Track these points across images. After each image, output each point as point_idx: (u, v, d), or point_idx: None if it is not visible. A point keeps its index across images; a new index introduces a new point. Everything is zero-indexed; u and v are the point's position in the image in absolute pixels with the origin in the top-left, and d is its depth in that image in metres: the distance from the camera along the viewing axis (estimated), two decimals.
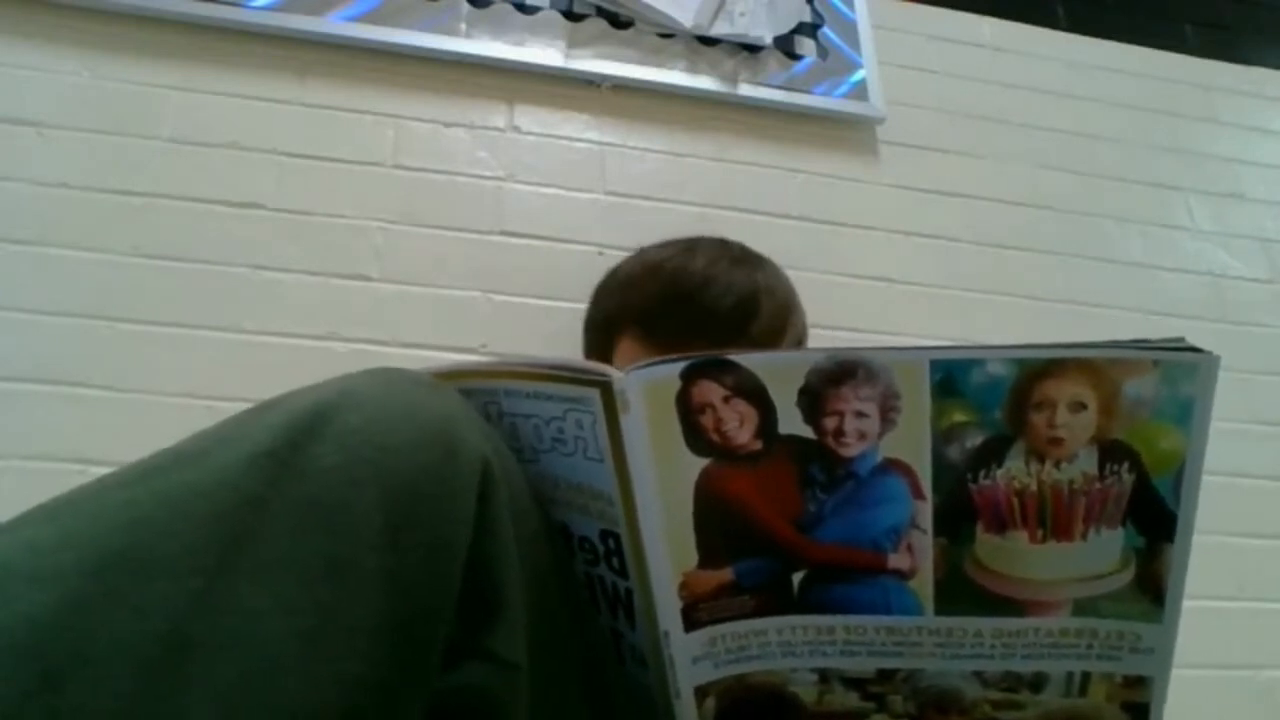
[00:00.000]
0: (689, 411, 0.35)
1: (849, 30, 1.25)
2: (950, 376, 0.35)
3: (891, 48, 1.28)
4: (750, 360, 0.35)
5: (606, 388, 0.34)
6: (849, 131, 1.21)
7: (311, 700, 0.24)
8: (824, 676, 0.41)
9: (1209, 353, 0.35)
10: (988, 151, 1.27)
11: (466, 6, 1.08)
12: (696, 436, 0.36)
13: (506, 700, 0.31)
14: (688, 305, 0.61)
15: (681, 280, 0.62)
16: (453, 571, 0.30)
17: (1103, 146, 1.33)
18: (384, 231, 0.98)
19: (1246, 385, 1.19)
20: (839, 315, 1.06)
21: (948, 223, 1.20)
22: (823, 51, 1.22)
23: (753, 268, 0.66)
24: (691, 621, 0.38)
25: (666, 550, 0.36)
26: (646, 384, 0.34)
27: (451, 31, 1.07)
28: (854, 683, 0.41)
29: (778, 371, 0.36)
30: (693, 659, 0.39)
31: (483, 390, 0.38)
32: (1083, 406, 0.36)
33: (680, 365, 0.35)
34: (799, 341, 0.69)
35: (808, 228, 1.13)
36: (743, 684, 0.40)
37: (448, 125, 1.06)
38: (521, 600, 0.33)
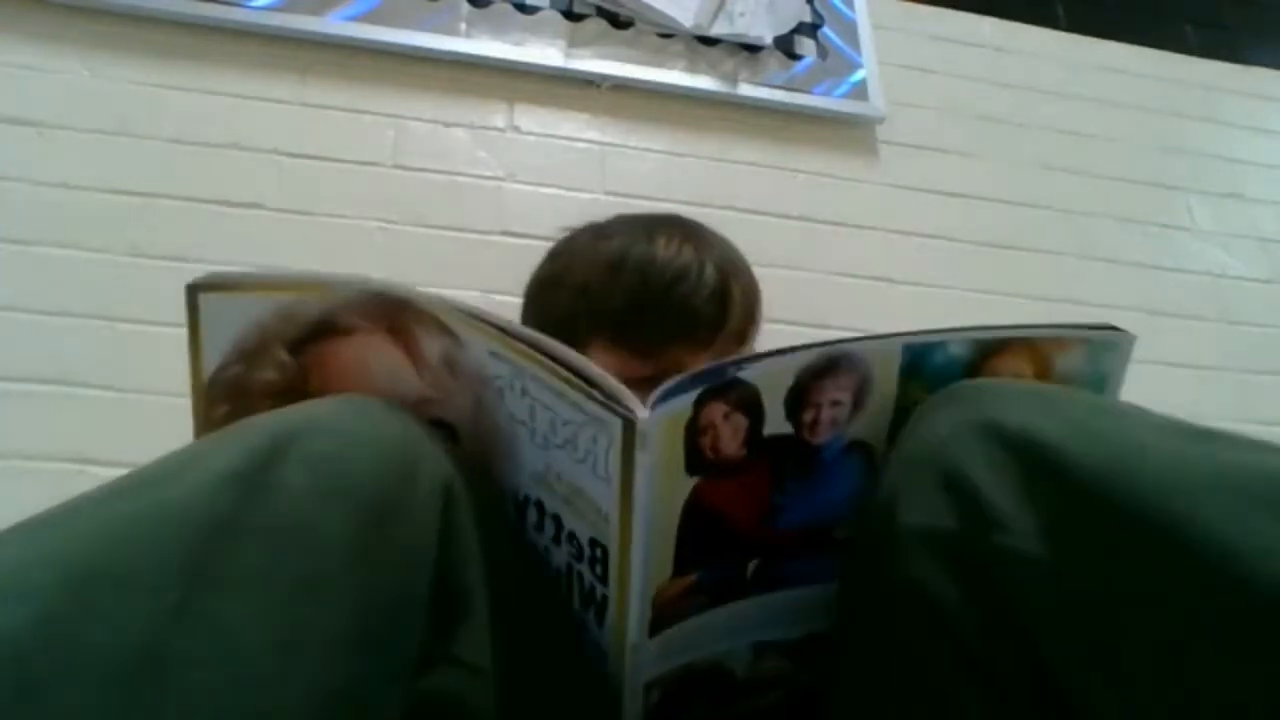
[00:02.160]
0: (694, 435, 0.36)
1: (849, 30, 1.25)
2: (916, 359, 0.38)
3: (891, 48, 1.28)
4: (753, 372, 0.36)
5: (630, 424, 0.33)
6: (849, 131, 1.21)
7: (287, 712, 0.25)
8: (759, 648, 0.42)
9: (1128, 333, 0.40)
10: (988, 151, 1.27)
11: (466, 6, 1.09)
12: (694, 458, 0.36)
13: (473, 704, 0.32)
14: (663, 308, 0.57)
15: (651, 281, 0.57)
16: (421, 584, 0.31)
17: (1103, 146, 1.33)
18: (384, 231, 0.98)
19: (1246, 385, 1.19)
20: (839, 315, 1.07)
21: (948, 223, 1.20)
22: (823, 51, 1.22)
23: (701, 241, 0.62)
24: (655, 627, 0.39)
25: (649, 568, 0.37)
26: (665, 419, 0.34)
27: (451, 31, 1.07)
28: (786, 648, 0.42)
29: (774, 378, 0.36)
30: (651, 660, 0.39)
31: (513, 363, 0.37)
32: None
33: (694, 393, 0.34)
34: (756, 302, 0.66)
35: (808, 228, 1.13)
36: (683, 671, 0.41)
37: (448, 125, 1.06)
38: (487, 606, 0.33)
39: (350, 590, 0.28)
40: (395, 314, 0.37)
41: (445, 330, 0.37)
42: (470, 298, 0.97)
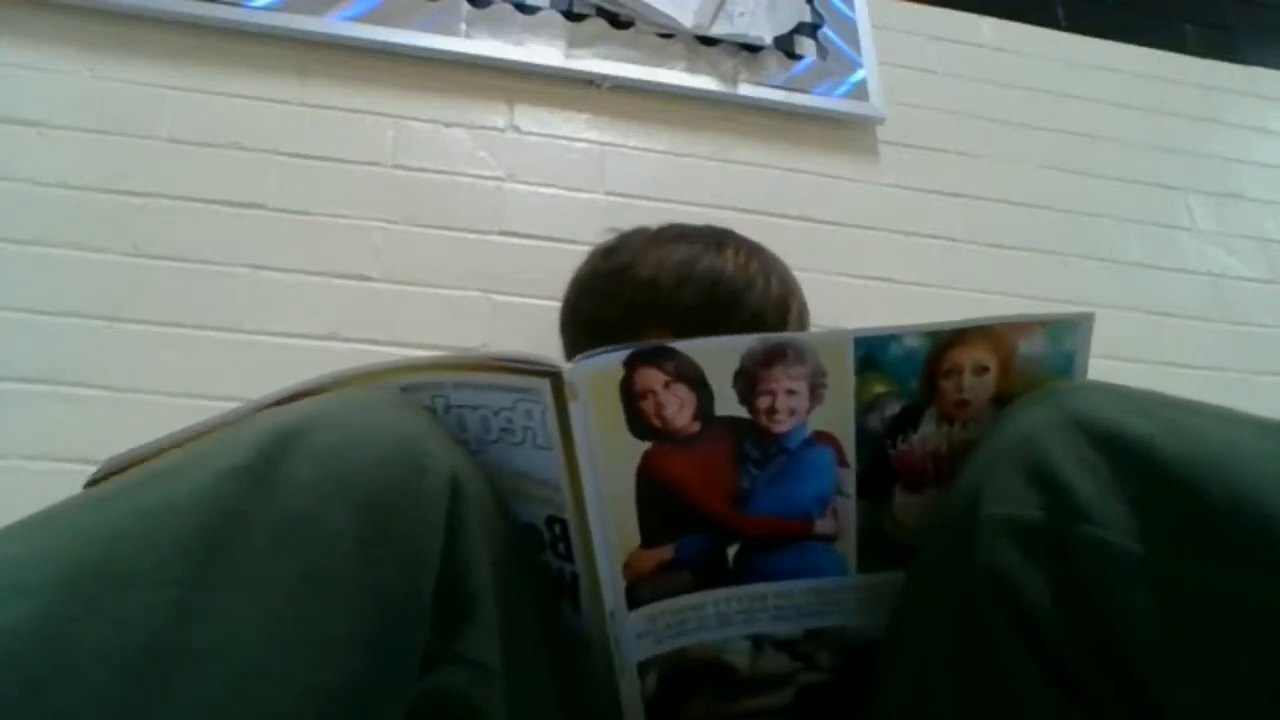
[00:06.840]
0: (632, 398, 0.37)
1: (849, 30, 1.25)
2: (871, 352, 0.39)
3: (891, 48, 1.28)
4: (689, 347, 0.37)
5: (557, 378, 0.35)
6: (849, 131, 1.21)
7: (290, 709, 0.25)
8: (757, 642, 0.43)
9: (1084, 312, 0.41)
10: (988, 151, 1.27)
11: (466, 6, 1.08)
12: (639, 421, 0.37)
13: (480, 702, 0.32)
14: (733, 311, 0.60)
15: (723, 285, 0.61)
16: (425, 582, 0.31)
17: (1103, 146, 1.33)
18: (384, 231, 0.98)
19: (1246, 385, 1.19)
20: (839, 315, 1.07)
21: (948, 223, 1.20)
22: (823, 51, 1.22)
23: (763, 257, 0.66)
24: (634, 600, 0.40)
25: (611, 532, 0.38)
26: (593, 373, 0.36)
27: (451, 31, 1.07)
28: (784, 645, 0.43)
29: (715, 357, 0.37)
30: (636, 635, 0.40)
31: (429, 385, 0.39)
32: (985, 370, 0.40)
33: (624, 354, 0.36)
34: (807, 320, 0.69)
35: (808, 228, 1.13)
36: (681, 657, 0.42)
37: (448, 125, 1.06)
38: (493, 604, 0.33)
39: (354, 587, 0.28)
40: None
41: None
42: (470, 297, 0.97)
